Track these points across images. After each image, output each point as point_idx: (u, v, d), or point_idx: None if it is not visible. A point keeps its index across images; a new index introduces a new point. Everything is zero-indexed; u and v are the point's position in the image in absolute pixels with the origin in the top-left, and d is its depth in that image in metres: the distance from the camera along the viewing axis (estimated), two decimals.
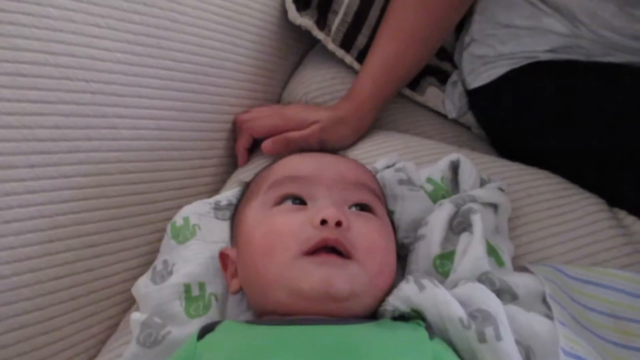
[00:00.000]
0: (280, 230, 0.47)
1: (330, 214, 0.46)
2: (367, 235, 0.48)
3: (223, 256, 0.55)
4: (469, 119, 0.88)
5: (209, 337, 0.44)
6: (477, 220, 0.53)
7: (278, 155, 0.71)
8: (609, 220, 0.62)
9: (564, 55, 0.75)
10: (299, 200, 0.51)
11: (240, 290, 0.53)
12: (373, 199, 0.53)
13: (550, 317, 0.48)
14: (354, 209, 0.51)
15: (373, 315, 0.48)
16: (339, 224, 0.45)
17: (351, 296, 0.44)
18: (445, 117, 0.88)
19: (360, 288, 0.45)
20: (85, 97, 0.54)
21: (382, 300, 0.48)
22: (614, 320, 0.52)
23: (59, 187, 0.52)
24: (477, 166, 0.66)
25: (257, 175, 0.60)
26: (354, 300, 0.45)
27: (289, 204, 0.50)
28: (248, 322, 0.47)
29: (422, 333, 0.43)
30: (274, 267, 0.46)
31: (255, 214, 0.52)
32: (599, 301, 0.53)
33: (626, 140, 0.65)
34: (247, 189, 0.59)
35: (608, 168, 0.67)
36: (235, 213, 0.59)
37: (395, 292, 0.47)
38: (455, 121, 0.88)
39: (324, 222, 0.45)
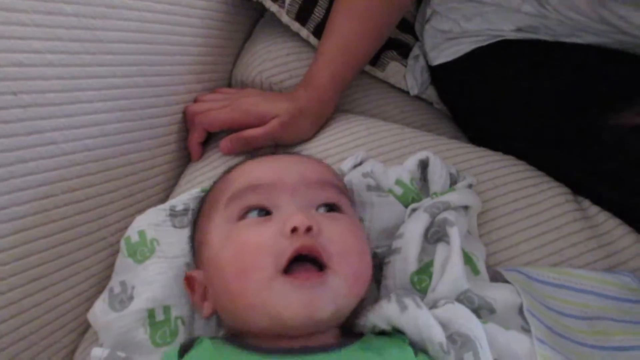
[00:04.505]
0: (252, 247, 0.44)
1: (299, 220, 0.43)
2: (339, 237, 0.45)
3: (189, 279, 0.51)
4: (431, 94, 0.85)
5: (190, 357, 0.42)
6: (454, 233, 0.51)
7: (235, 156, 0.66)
8: (574, 212, 0.62)
9: (530, 35, 0.72)
10: (265, 211, 0.47)
11: (214, 314, 0.50)
12: (339, 197, 0.51)
13: (527, 329, 0.48)
14: (322, 209, 0.49)
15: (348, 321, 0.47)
16: (309, 229, 0.43)
17: (336, 313, 0.43)
18: (406, 92, 0.84)
19: (342, 302, 0.43)
20: (15, 113, 0.47)
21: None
22: (588, 323, 0.53)
23: None
24: (441, 153, 0.65)
25: (212, 187, 0.55)
26: (336, 316, 0.43)
27: (254, 216, 0.47)
28: (231, 343, 0.44)
29: (409, 352, 0.43)
30: (251, 289, 0.42)
31: (219, 232, 0.48)
32: (573, 305, 0.53)
33: (590, 125, 0.64)
34: (203, 203, 0.54)
35: (570, 152, 0.66)
36: (194, 232, 0.54)
37: (377, 309, 0.46)
38: (416, 97, 0.85)
39: (294, 229, 0.43)
